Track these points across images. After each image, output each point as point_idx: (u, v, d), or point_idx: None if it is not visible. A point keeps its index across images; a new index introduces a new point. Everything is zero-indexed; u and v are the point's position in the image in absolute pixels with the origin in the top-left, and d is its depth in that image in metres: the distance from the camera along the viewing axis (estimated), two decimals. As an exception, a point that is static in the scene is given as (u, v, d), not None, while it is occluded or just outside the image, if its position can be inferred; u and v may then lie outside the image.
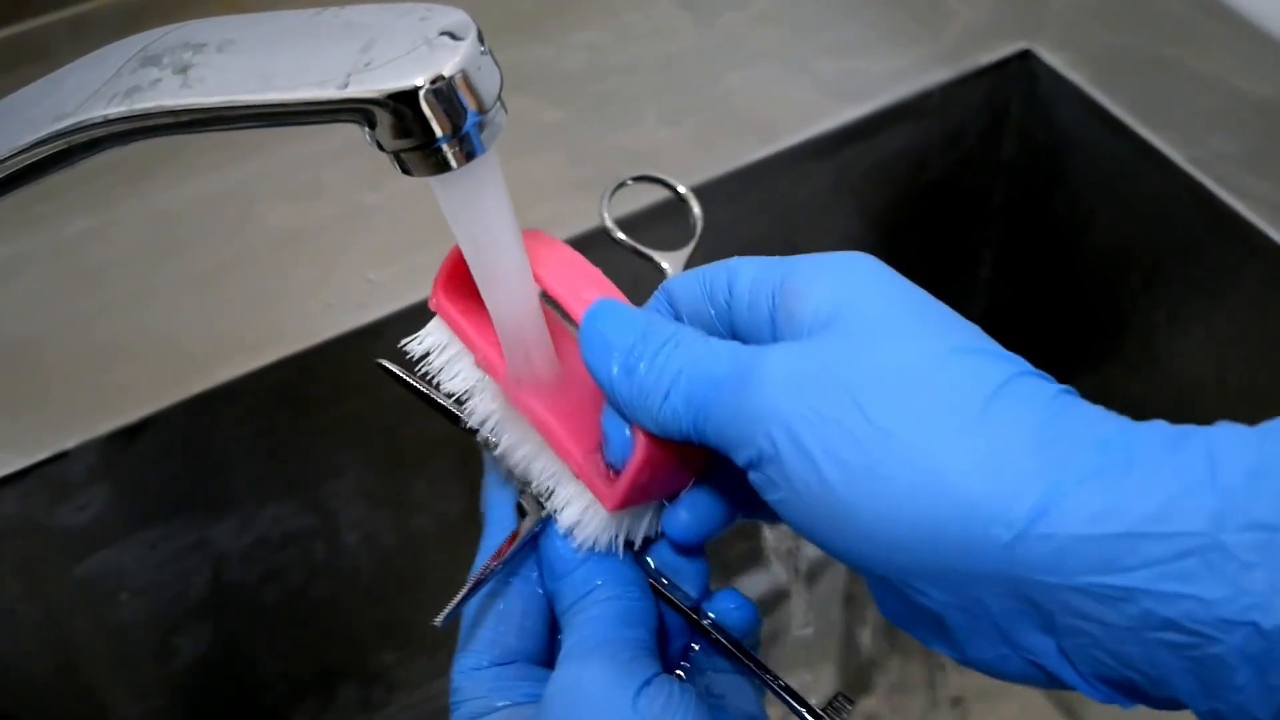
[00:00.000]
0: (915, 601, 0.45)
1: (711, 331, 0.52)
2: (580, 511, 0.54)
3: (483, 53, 0.46)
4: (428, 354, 0.58)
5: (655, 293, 0.55)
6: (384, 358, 0.79)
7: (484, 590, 0.56)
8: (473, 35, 0.46)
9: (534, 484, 0.56)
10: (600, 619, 0.52)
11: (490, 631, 0.55)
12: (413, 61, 0.45)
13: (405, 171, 0.48)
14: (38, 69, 0.53)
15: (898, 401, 0.44)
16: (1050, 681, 0.44)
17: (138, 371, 0.76)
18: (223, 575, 0.85)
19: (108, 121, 0.48)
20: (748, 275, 0.51)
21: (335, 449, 0.84)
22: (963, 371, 0.45)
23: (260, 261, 0.81)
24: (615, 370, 0.50)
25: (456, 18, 0.46)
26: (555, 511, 0.55)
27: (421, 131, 0.46)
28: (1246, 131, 0.86)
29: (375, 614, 0.95)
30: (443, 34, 0.46)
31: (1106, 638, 0.41)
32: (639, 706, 0.49)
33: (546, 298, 0.54)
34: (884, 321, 0.47)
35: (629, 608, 0.53)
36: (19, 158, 0.50)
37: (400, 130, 0.46)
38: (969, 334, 0.47)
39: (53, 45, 0.93)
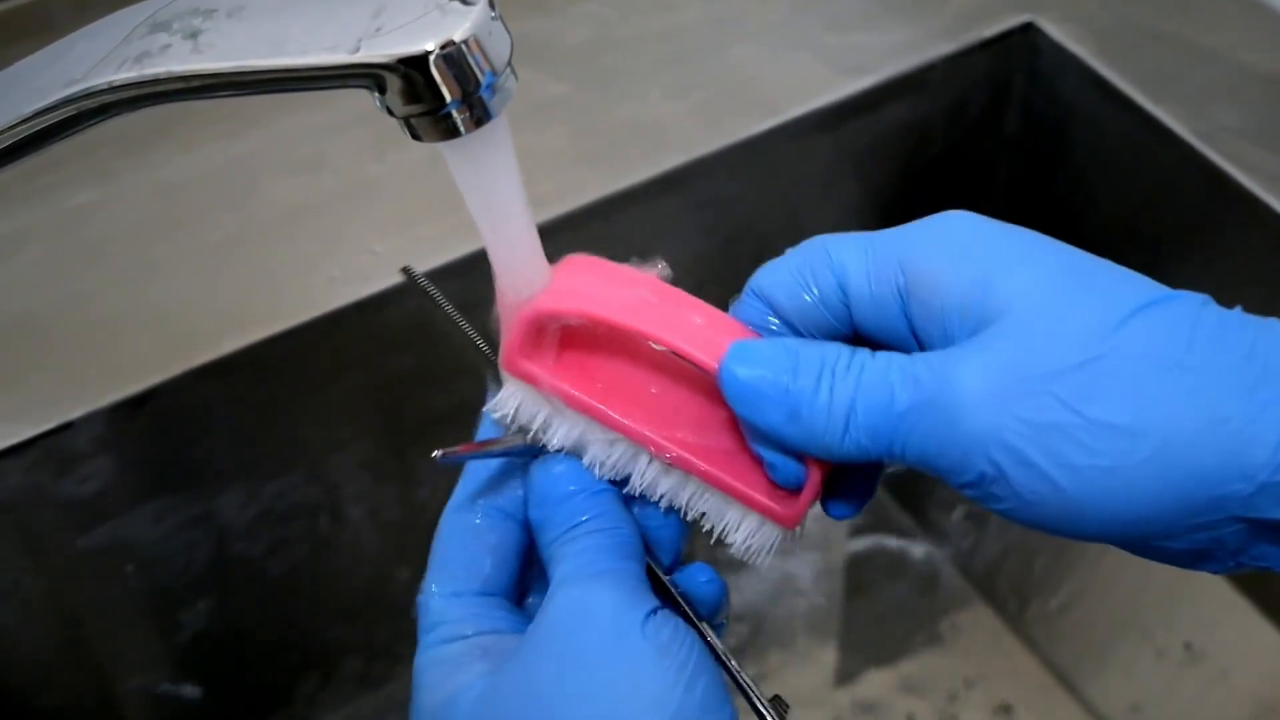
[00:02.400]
0: (1151, 549, 0.46)
1: (831, 333, 0.50)
2: (751, 532, 0.53)
3: (493, 18, 0.46)
4: (511, 417, 0.54)
5: (744, 295, 0.52)
6: (391, 327, 0.80)
7: (461, 515, 0.55)
8: (483, 0, 0.46)
9: (683, 513, 0.54)
10: (597, 548, 0.51)
11: (469, 558, 0.54)
12: (424, 26, 0.45)
13: (415, 137, 0.48)
14: (40, 41, 0.53)
15: (1101, 388, 0.44)
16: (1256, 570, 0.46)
17: (142, 343, 0.76)
18: (227, 548, 0.85)
19: (117, 87, 0.48)
20: (858, 268, 0.49)
21: (340, 422, 0.84)
22: (1148, 333, 0.44)
23: (265, 234, 0.81)
24: (778, 419, 0.48)
25: (467, -18, 0.46)
26: (723, 537, 0.53)
27: (432, 97, 0.46)
28: (1251, 105, 0.86)
29: (378, 588, 0.95)
30: (453, -1, 0.46)
31: None
32: (647, 632, 0.48)
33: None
34: (1049, 302, 0.46)
35: (625, 540, 0.52)
36: (28, 124, 0.50)
37: (411, 95, 0.46)
38: (1129, 284, 0.46)
39: (55, 18, 0.92)
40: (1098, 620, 1.02)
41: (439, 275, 0.79)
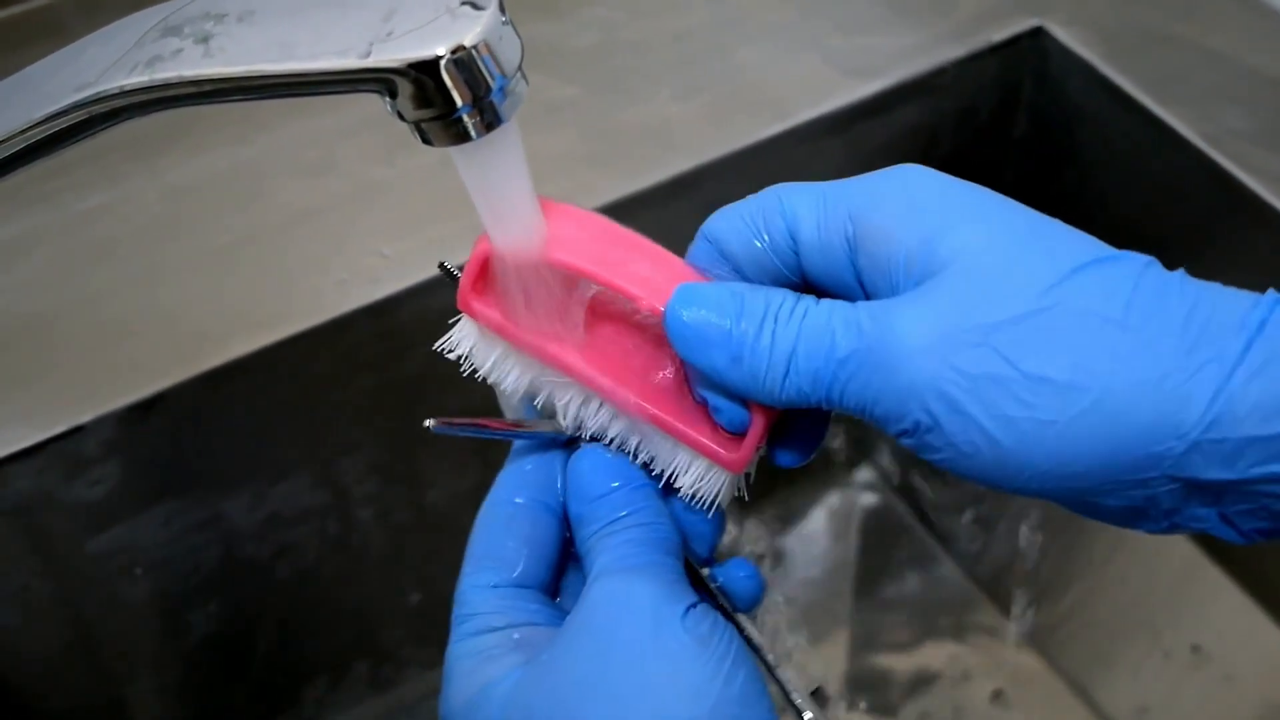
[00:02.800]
0: (1086, 505, 0.46)
1: (780, 280, 0.51)
2: (699, 477, 0.53)
3: (504, 23, 0.46)
4: (465, 356, 0.56)
5: (696, 239, 0.53)
6: (400, 329, 0.80)
7: (501, 509, 0.55)
8: (494, 5, 0.46)
9: (632, 457, 0.54)
10: (636, 542, 0.51)
11: (506, 550, 0.54)
12: (435, 31, 0.45)
13: (426, 141, 0.48)
14: (50, 45, 0.53)
15: (1040, 342, 0.44)
16: (1191, 532, 0.46)
17: (151, 347, 0.76)
18: (235, 551, 0.85)
19: (129, 91, 0.48)
20: (810, 216, 0.50)
21: (349, 425, 0.84)
22: (1090, 290, 0.45)
23: (273, 237, 0.81)
24: (720, 362, 0.49)
25: (477, -13, 0.46)
26: (671, 479, 0.54)
27: (443, 101, 0.46)
28: (1259, 107, 0.86)
29: (386, 591, 0.95)
30: (464, 4, 0.46)
31: (1274, 504, 0.44)
32: (687, 624, 0.48)
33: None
34: (993, 256, 0.46)
35: (664, 536, 0.52)
36: (41, 127, 0.50)
37: (421, 100, 0.46)
38: (1075, 243, 0.47)
39: (65, 22, 0.92)
40: (1105, 622, 1.02)
41: (447, 279, 0.79)
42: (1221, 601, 0.96)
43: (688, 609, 0.49)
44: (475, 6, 0.46)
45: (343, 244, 0.81)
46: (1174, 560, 0.98)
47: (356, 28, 0.46)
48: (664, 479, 0.54)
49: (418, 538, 0.92)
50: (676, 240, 0.80)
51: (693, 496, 0.54)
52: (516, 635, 0.52)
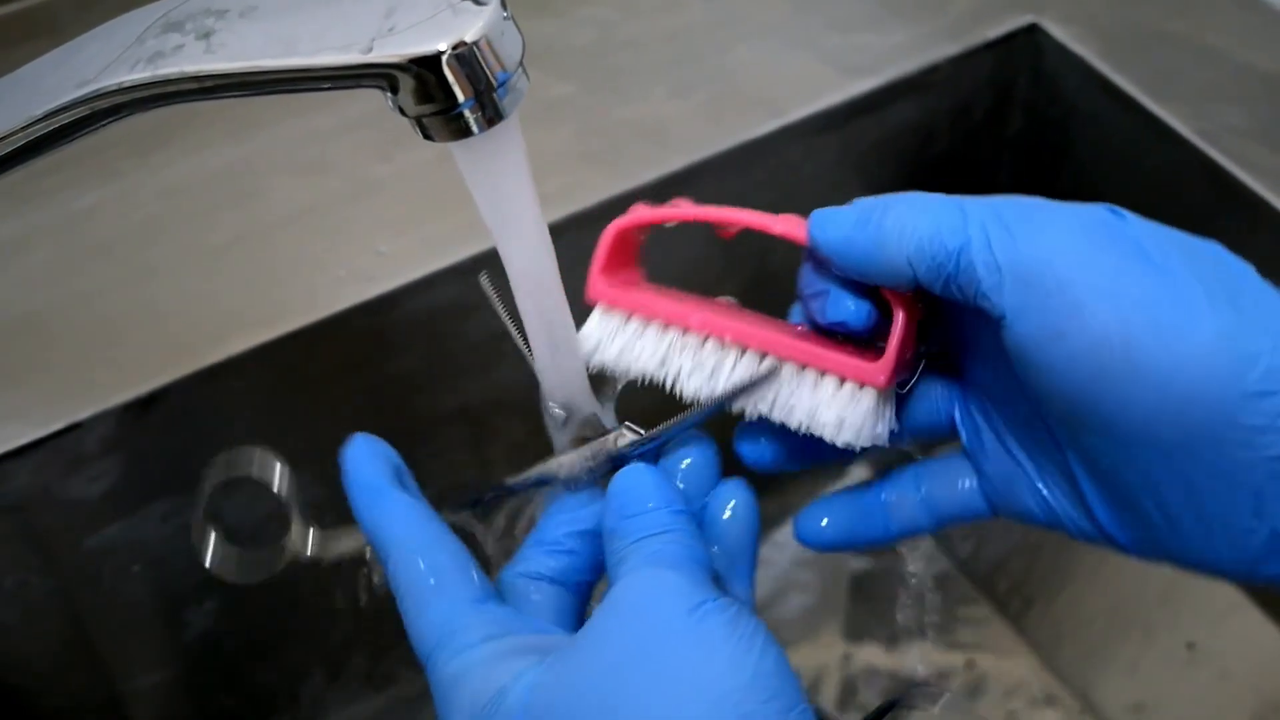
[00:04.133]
0: (1137, 491, 0.50)
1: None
2: (843, 409, 0.55)
3: (505, 18, 0.47)
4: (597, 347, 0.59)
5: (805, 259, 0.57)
6: (398, 327, 0.80)
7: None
8: (495, 1, 0.46)
9: (771, 413, 0.56)
10: (669, 549, 0.52)
11: (553, 537, 0.56)
12: (436, 26, 0.46)
13: (427, 137, 0.48)
14: (46, 43, 0.53)
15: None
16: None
17: (149, 344, 0.76)
18: (233, 548, 0.85)
19: (131, 88, 0.48)
20: (927, 224, 0.52)
21: (346, 422, 0.84)
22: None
23: (270, 235, 0.81)
24: (848, 231, 0.53)
25: (479, -17, 0.46)
26: (815, 423, 0.56)
27: (444, 96, 0.46)
28: (1254, 104, 0.87)
29: (384, 587, 0.95)
30: (465, -1, 0.46)
31: None
32: (719, 605, 0.49)
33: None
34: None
35: (700, 555, 0.52)
36: (42, 124, 0.50)
37: (423, 95, 0.46)
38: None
39: (61, 19, 0.93)
40: (1100, 620, 1.02)
41: (445, 276, 0.79)
42: (1216, 598, 0.97)
43: (718, 596, 0.49)
44: (477, 2, 0.46)
45: (339, 241, 0.81)
46: (1169, 556, 0.99)
47: (358, 23, 0.46)
48: (811, 423, 0.56)
49: (415, 535, 0.92)
50: (674, 237, 0.80)
51: (840, 431, 0.55)
52: (527, 641, 0.52)
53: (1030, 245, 0.50)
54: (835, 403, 0.55)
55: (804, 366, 0.56)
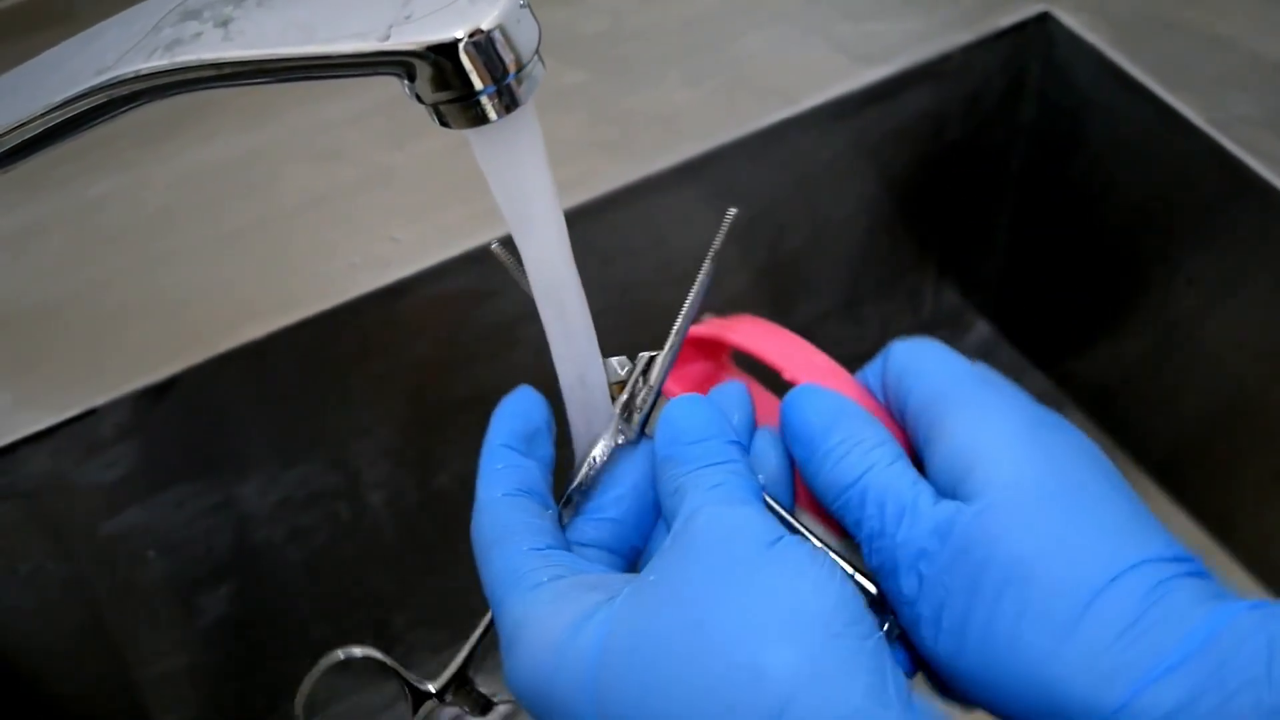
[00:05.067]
0: None
1: (891, 405, 0.59)
2: None
3: (522, 6, 0.47)
4: None
5: (882, 352, 0.60)
6: (411, 314, 0.80)
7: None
8: (512, -12, 0.46)
9: None
10: (736, 482, 0.53)
11: (541, 519, 0.56)
12: (453, 14, 0.46)
13: (443, 124, 0.48)
14: (60, 31, 0.54)
15: (1025, 593, 0.50)
16: None
17: (164, 331, 0.77)
18: (247, 535, 0.85)
19: (149, 75, 0.49)
20: (921, 393, 0.57)
21: (360, 409, 0.84)
22: (1112, 612, 0.50)
23: (285, 222, 0.82)
24: (800, 454, 0.57)
25: (496, -28, 0.47)
26: None
27: (461, 84, 0.47)
28: (1266, 93, 0.87)
29: (396, 575, 0.95)
30: (482, -14, 0.46)
31: None
32: (796, 541, 0.50)
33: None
34: (1026, 504, 0.52)
35: (755, 486, 0.54)
36: (60, 111, 0.50)
37: (440, 83, 0.47)
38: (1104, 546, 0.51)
39: (76, 6, 0.93)
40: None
41: (458, 263, 0.79)
42: (1226, 581, 0.96)
43: (790, 533, 0.51)
44: (493, -11, 0.46)
45: (353, 229, 0.81)
46: (1178, 540, 0.98)
47: (375, 11, 0.46)
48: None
49: (428, 521, 0.92)
50: (686, 225, 0.80)
51: None
52: (592, 580, 0.52)
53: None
54: None
55: None
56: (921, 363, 0.57)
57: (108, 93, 0.50)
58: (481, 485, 0.58)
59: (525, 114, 0.48)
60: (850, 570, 0.54)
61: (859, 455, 0.54)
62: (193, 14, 0.48)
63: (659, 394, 0.58)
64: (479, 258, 0.79)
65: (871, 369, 0.60)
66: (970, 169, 0.98)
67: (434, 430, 0.88)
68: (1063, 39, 0.92)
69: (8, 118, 0.51)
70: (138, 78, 0.49)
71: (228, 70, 0.48)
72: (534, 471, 0.58)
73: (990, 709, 0.52)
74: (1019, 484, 0.52)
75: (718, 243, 0.58)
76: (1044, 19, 0.93)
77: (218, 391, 0.78)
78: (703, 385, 0.60)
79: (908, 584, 0.52)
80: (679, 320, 0.58)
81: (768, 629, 0.47)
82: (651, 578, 0.50)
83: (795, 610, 0.47)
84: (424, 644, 1.00)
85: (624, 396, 0.58)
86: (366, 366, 0.82)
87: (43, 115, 0.51)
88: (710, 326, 0.62)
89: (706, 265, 0.58)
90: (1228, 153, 0.84)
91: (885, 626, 0.54)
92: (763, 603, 0.48)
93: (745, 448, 0.56)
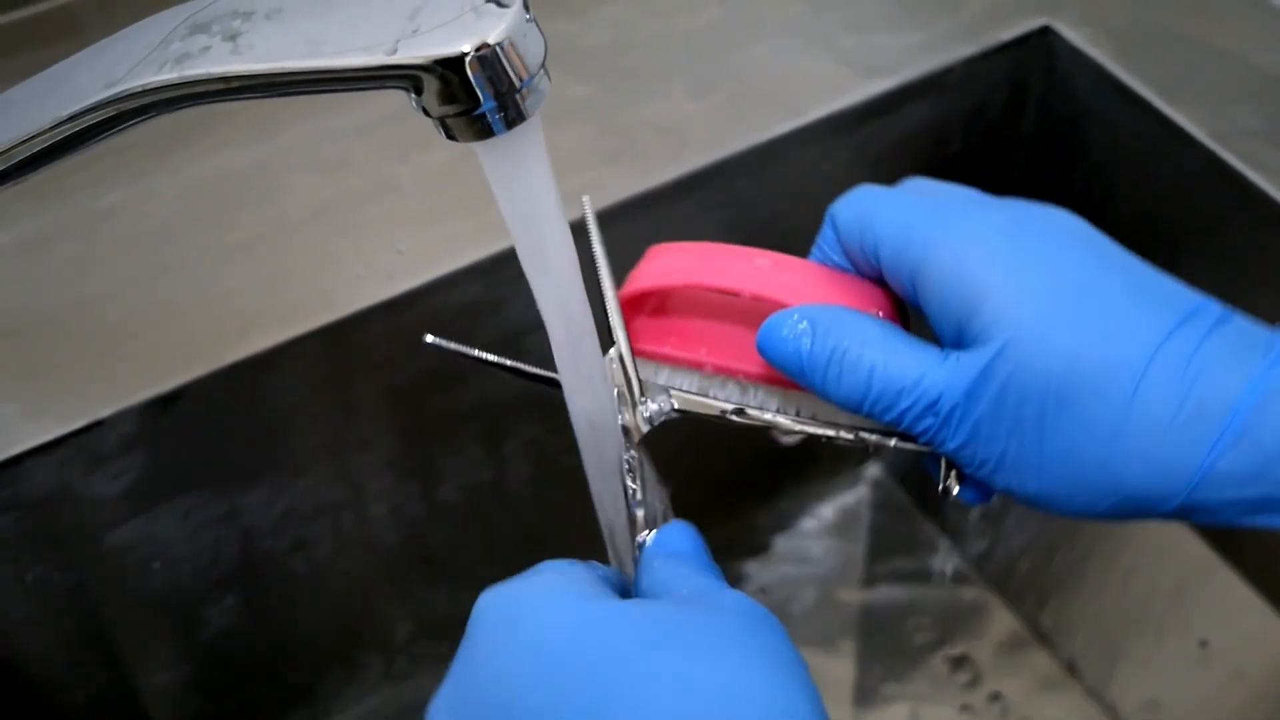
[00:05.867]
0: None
1: (868, 273, 0.59)
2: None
3: (528, 20, 0.47)
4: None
5: (825, 221, 0.60)
6: (416, 326, 0.80)
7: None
8: (518, 3, 0.47)
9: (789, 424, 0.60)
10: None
11: None
12: (459, 28, 0.46)
13: (450, 137, 0.49)
14: (68, 45, 0.54)
15: (1055, 421, 0.52)
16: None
17: (170, 342, 0.77)
18: (252, 546, 0.86)
19: (158, 88, 0.49)
20: (888, 249, 0.57)
21: (364, 420, 0.84)
22: (1106, 370, 0.52)
23: (290, 234, 0.82)
24: (802, 383, 0.57)
25: (502, -15, 0.47)
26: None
27: (467, 97, 0.47)
28: (1267, 106, 0.87)
29: (400, 587, 0.95)
30: (489, 1, 0.47)
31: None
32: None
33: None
34: (1027, 335, 0.52)
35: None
36: (70, 124, 0.51)
37: (446, 96, 0.47)
38: (1104, 315, 0.53)
39: (84, 21, 0.93)
40: (1113, 618, 1.03)
41: (464, 275, 0.80)
42: (1230, 597, 0.97)
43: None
44: (500, 4, 0.46)
45: (359, 241, 0.81)
46: (1182, 556, 0.99)
47: (383, 25, 0.47)
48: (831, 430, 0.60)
49: (432, 533, 0.93)
50: (690, 237, 0.80)
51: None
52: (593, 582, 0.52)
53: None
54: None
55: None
56: (872, 215, 0.57)
57: (117, 106, 0.50)
58: None
59: (531, 127, 0.49)
60: (907, 445, 0.57)
61: (852, 369, 0.55)
62: (201, 28, 0.49)
63: (638, 381, 0.60)
64: (485, 269, 0.80)
65: (824, 240, 0.60)
66: (972, 181, 0.98)
67: (438, 442, 0.88)
68: (1064, 52, 0.93)
69: (18, 131, 0.52)
70: (147, 91, 0.49)
71: (236, 84, 0.48)
72: None
73: (1076, 516, 0.54)
74: (1027, 309, 0.53)
75: (594, 231, 0.61)
76: (1045, 32, 0.94)
77: (224, 403, 0.78)
78: (667, 338, 0.61)
79: (955, 441, 0.54)
80: (611, 317, 0.60)
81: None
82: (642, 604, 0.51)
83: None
84: (428, 655, 1.00)
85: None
86: (372, 378, 0.82)
87: (52, 129, 0.51)
88: (638, 283, 0.61)
89: (599, 251, 0.61)
90: (1228, 165, 0.84)
91: (950, 477, 0.58)
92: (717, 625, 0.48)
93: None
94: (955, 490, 0.58)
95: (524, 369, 0.62)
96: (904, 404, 0.54)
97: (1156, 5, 0.95)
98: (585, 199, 0.63)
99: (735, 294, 0.59)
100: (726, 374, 0.60)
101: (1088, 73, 0.92)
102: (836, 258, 0.60)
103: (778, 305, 0.57)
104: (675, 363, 0.60)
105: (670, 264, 0.61)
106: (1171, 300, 0.53)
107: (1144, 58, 0.91)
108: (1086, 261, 0.54)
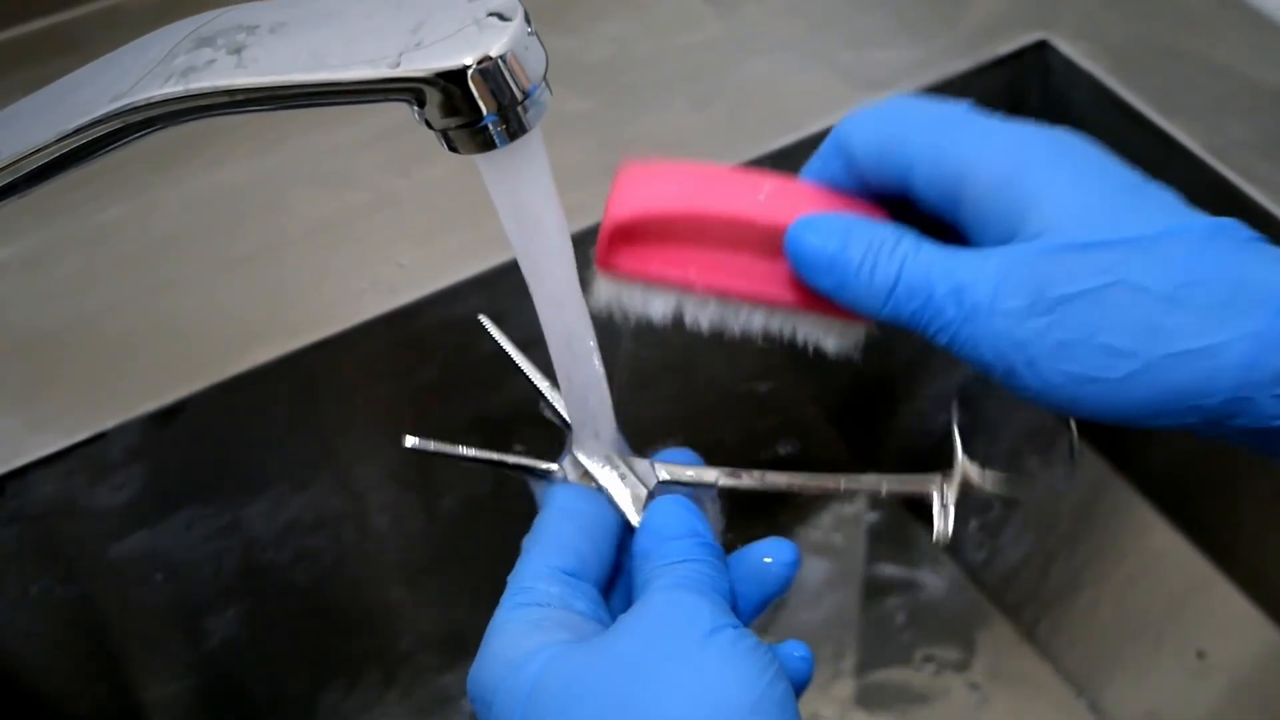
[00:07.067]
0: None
1: (893, 193, 0.57)
2: (840, 335, 0.60)
3: (530, 33, 0.48)
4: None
5: (826, 141, 0.59)
6: (418, 338, 0.81)
7: (569, 506, 0.60)
8: (520, 17, 0.47)
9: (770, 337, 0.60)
10: (699, 576, 0.55)
11: (567, 538, 0.58)
12: (462, 41, 0.47)
13: (452, 149, 0.49)
14: (72, 59, 0.54)
15: (1101, 315, 0.51)
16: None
17: (173, 355, 0.77)
18: (254, 557, 0.86)
19: (164, 101, 0.49)
20: (925, 159, 0.56)
21: (366, 432, 0.85)
22: (1152, 265, 0.51)
23: (293, 247, 0.82)
24: (828, 285, 0.56)
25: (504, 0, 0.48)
26: (817, 345, 0.60)
27: (469, 110, 0.47)
28: (1263, 120, 0.87)
29: (401, 597, 0.96)
30: (491, 15, 0.47)
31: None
32: (740, 635, 0.51)
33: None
34: (1073, 227, 0.52)
35: (723, 587, 0.56)
36: (76, 136, 0.51)
37: (449, 109, 0.47)
38: (1150, 211, 0.54)
39: (88, 35, 0.94)
40: (1111, 628, 1.03)
41: (466, 287, 0.80)
42: (1226, 607, 0.97)
43: (738, 626, 0.52)
44: (502, 18, 0.47)
45: (361, 254, 0.82)
46: (1179, 567, 0.99)
47: (386, 38, 0.47)
48: (809, 346, 0.60)
49: (432, 544, 0.93)
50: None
51: (838, 350, 0.60)
52: (564, 617, 0.55)
53: None
54: (830, 333, 0.60)
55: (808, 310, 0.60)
56: (904, 131, 0.57)
57: (123, 119, 0.50)
58: (557, 493, 0.61)
59: (533, 140, 0.49)
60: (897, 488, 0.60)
61: (886, 260, 0.54)
62: (206, 41, 0.49)
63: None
64: (486, 282, 0.80)
65: (822, 161, 0.59)
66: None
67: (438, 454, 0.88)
68: (1060, 66, 0.93)
69: (25, 143, 0.52)
70: (152, 104, 0.49)
71: (241, 96, 0.48)
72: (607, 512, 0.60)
73: (1111, 418, 0.53)
74: (1078, 207, 0.53)
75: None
76: (1042, 46, 0.94)
77: (226, 415, 0.78)
78: (650, 259, 0.60)
79: (972, 334, 0.53)
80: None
81: (684, 712, 0.49)
82: (599, 639, 0.52)
83: (717, 700, 0.49)
84: (429, 666, 1.00)
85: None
86: (373, 390, 0.83)
87: (57, 142, 0.52)
88: (631, 207, 0.59)
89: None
90: (1224, 179, 0.85)
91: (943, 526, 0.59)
92: (687, 686, 0.50)
93: (718, 550, 0.58)
94: (948, 537, 0.59)
95: (511, 461, 0.63)
96: (934, 287, 0.53)
97: (1153, 19, 0.96)
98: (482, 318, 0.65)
99: (749, 224, 0.58)
100: (719, 293, 0.59)
101: (1084, 87, 0.93)
102: (840, 175, 0.59)
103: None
104: (662, 282, 0.59)
105: (662, 189, 0.60)
106: (1203, 214, 0.54)
107: (1140, 72, 0.91)
108: (1126, 172, 0.56)
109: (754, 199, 0.58)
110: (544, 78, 0.49)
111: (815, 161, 0.59)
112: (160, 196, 0.86)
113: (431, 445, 0.62)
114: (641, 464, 0.61)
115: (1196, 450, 0.97)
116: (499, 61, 0.47)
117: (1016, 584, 1.07)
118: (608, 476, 0.60)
